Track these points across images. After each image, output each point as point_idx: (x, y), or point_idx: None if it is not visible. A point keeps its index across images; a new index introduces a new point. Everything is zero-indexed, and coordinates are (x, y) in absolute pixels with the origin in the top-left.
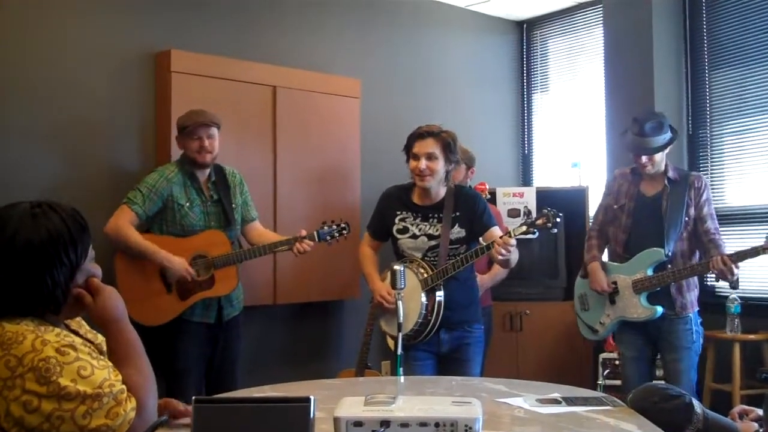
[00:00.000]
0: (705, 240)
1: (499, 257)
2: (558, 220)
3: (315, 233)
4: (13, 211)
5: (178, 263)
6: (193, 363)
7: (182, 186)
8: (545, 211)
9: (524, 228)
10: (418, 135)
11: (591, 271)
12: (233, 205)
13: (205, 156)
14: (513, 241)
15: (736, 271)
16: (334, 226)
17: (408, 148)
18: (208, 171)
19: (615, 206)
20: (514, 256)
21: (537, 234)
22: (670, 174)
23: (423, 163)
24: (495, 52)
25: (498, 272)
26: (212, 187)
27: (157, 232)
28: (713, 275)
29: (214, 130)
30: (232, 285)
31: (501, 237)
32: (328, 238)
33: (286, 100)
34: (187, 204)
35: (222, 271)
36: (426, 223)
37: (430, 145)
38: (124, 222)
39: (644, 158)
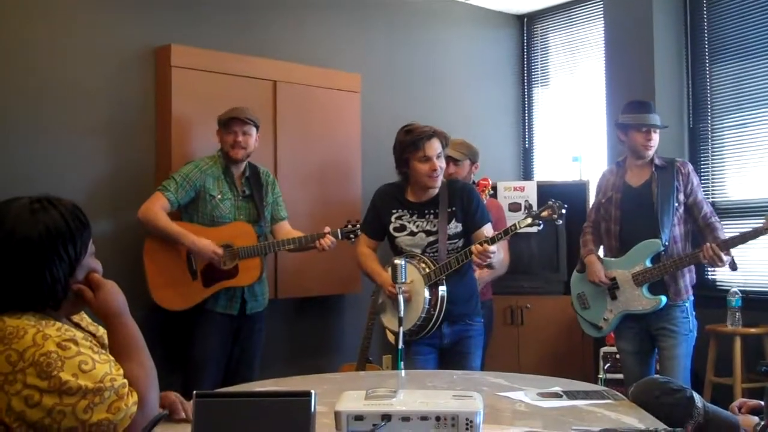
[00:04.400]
0: (702, 225)
1: (477, 261)
2: (563, 211)
3: (338, 231)
4: (12, 206)
5: (206, 245)
6: (213, 353)
7: (215, 178)
8: (550, 203)
9: (529, 220)
10: (427, 136)
11: (588, 263)
12: (264, 203)
13: (238, 152)
14: (492, 249)
15: (725, 258)
16: (358, 225)
17: (412, 151)
18: (243, 167)
19: (603, 200)
20: (498, 258)
21: (542, 226)
22: (657, 162)
23: (437, 164)
24: (495, 46)
25: (496, 269)
26: (245, 183)
27: (186, 220)
28: (705, 263)
29: (251, 128)
30: (255, 276)
31: (481, 243)
32: (351, 236)
33: (287, 95)
34: (219, 196)
35: (247, 261)
36: (423, 220)
37: (437, 145)
38: (156, 206)
39: (653, 133)
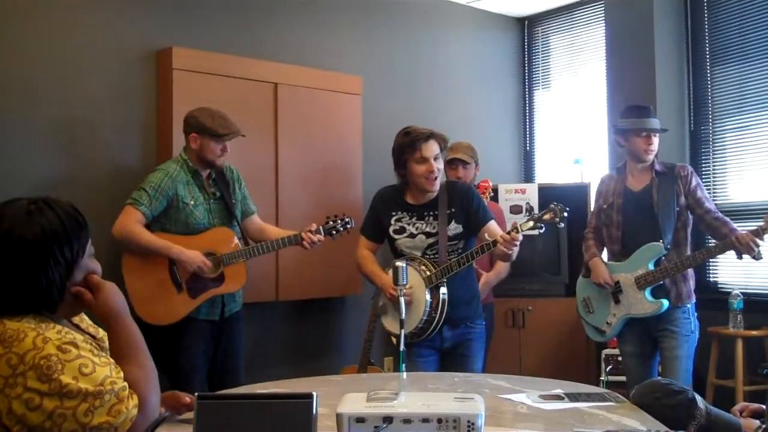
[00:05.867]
0: (709, 220)
1: (506, 252)
2: (565, 214)
3: (320, 228)
4: (10, 207)
5: (193, 256)
6: (200, 361)
7: (185, 184)
8: (552, 205)
9: (531, 223)
10: (424, 137)
11: (592, 266)
12: (234, 201)
13: (222, 159)
14: (520, 237)
15: (760, 242)
16: (339, 221)
17: (410, 152)
18: (209, 169)
19: (605, 206)
20: (516, 251)
21: (544, 229)
22: (657, 167)
23: (435, 166)
24: (496, 48)
25: (501, 269)
26: (213, 184)
27: (158, 230)
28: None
29: None
30: (242, 281)
31: (508, 232)
32: (333, 232)
33: (288, 97)
34: (192, 202)
35: (231, 267)
36: (422, 222)
37: (435, 147)
38: (132, 222)
39: (653, 137)
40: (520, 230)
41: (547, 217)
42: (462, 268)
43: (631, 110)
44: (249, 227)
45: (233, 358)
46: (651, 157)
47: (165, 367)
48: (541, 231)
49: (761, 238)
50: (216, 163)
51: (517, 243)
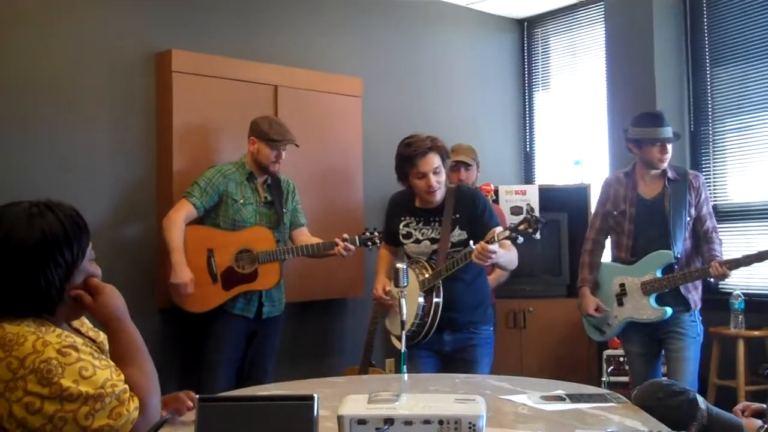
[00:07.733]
0: (701, 237)
1: (477, 262)
2: (539, 226)
3: (356, 238)
4: (11, 210)
5: (181, 274)
6: (227, 355)
7: (238, 184)
8: (527, 216)
9: (507, 233)
10: (422, 152)
11: (581, 295)
12: (284, 210)
13: (277, 166)
14: (492, 248)
15: (729, 273)
16: (376, 233)
17: (409, 166)
18: (266, 175)
19: (615, 212)
20: (508, 257)
21: (521, 240)
22: (670, 174)
23: (433, 180)
24: (496, 50)
25: (500, 275)
26: (267, 189)
27: (210, 225)
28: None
29: None
30: (274, 280)
31: (479, 243)
32: (369, 243)
33: (288, 100)
34: (241, 201)
35: (266, 266)
36: (428, 227)
37: (434, 160)
38: (178, 216)
39: (667, 146)
40: (494, 240)
41: (521, 227)
42: (450, 273)
43: (644, 118)
44: (298, 238)
45: (262, 359)
46: (665, 165)
47: (196, 358)
48: (519, 241)
49: (734, 268)
50: (270, 169)
51: (491, 254)
